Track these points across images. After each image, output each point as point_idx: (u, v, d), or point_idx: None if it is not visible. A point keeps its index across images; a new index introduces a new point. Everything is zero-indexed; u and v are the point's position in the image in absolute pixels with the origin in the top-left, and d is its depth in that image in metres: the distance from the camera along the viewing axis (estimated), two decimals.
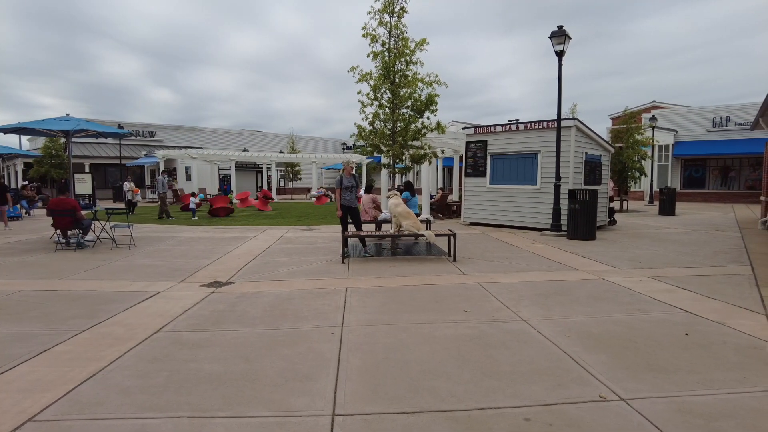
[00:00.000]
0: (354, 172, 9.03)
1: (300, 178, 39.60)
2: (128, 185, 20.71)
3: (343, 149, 47.15)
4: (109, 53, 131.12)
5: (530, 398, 3.05)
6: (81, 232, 9.73)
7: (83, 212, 10.19)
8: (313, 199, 29.32)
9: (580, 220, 10.86)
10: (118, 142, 30.18)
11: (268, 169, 34.89)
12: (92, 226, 10.23)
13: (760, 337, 4.20)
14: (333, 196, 26.44)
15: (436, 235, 8.56)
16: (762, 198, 15.53)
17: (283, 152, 37.99)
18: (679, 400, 3.01)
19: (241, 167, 38.11)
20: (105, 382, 3.31)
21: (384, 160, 10.76)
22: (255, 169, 41.32)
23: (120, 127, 29.56)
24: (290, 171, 38.99)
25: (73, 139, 11.75)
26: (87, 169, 30.35)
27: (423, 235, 8.35)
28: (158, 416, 2.83)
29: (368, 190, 11.33)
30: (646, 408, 2.91)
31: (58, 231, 9.76)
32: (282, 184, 42.12)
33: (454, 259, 8.21)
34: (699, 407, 2.91)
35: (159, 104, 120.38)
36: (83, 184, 20.96)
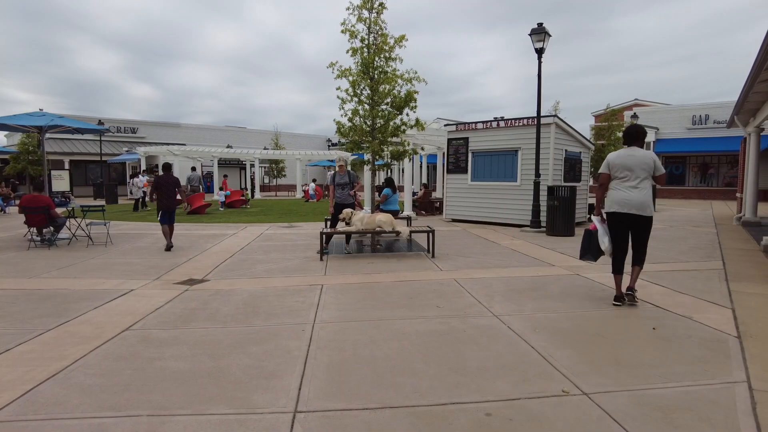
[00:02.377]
0: (350, 169, 8.99)
1: (284, 175, 39.38)
2: (142, 180, 19.97)
3: (329, 146, 46.98)
4: (86, 47, 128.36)
5: (493, 393, 3.06)
6: (53, 229, 9.56)
7: (59, 209, 10.02)
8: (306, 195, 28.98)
9: (559, 216, 10.96)
10: (98, 138, 29.70)
11: (252, 165, 34.66)
12: (68, 224, 10.06)
13: (723, 330, 4.28)
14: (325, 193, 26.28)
15: (415, 231, 8.60)
16: (738, 195, 15.83)
17: (267, 149, 37.71)
18: (640, 393, 3.05)
19: (225, 164, 37.84)
20: (66, 382, 3.25)
21: (365, 156, 10.74)
22: (239, 165, 41.06)
23: (100, 123, 29.12)
24: (274, 168, 38.75)
25: (52, 135, 11.57)
26: (66, 166, 29.84)
27: (392, 232, 8.38)
28: (117, 415, 2.79)
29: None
30: (606, 402, 2.94)
31: (32, 229, 9.58)
32: (266, 181, 41.87)
33: (433, 256, 8.23)
34: (658, 400, 2.95)
35: (140, 100, 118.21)
36: (61, 181, 20.61)
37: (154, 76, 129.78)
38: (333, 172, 8.92)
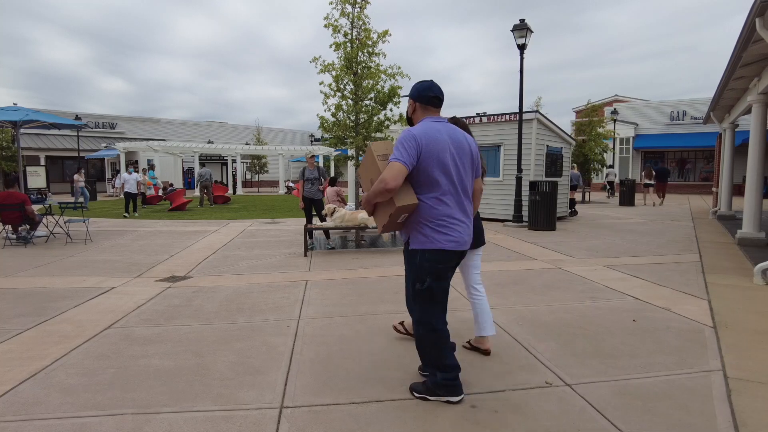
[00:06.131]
0: (318, 164, 8.99)
1: (267, 171, 39.06)
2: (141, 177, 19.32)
3: (311, 141, 46.71)
4: (51, 38, 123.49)
5: (478, 386, 3.10)
6: (29, 227, 9.35)
7: (35, 206, 9.80)
8: (294, 191, 28.61)
9: (540, 211, 11.09)
10: (75, 133, 29.06)
11: (234, 161, 34.29)
12: (44, 221, 9.86)
13: (700, 321, 4.39)
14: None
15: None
16: (713, 189, 16.20)
17: (249, 144, 37.39)
18: (621, 383, 3.12)
19: (206, 159, 37.40)
20: (46, 381, 3.20)
21: (349, 152, 10.72)
22: (220, 161, 40.62)
23: (78, 118, 28.47)
24: (256, 163, 38.41)
25: (27, 131, 11.27)
26: (42, 162, 29.14)
27: (375, 227, 8.38)
28: (100, 414, 2.76)
29: (333, 183, 11.28)
30: (589, 393, 3.00)
31: (7, 226, 9.36)
32: (248, 176, 41.47)
33: None
34: (638, 390, 3.02)
35: (114, 94, 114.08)
36: (36, 178, 20.14)
37: (126, 70, 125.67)
38: (303, 167, 8.91)
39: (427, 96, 2.89)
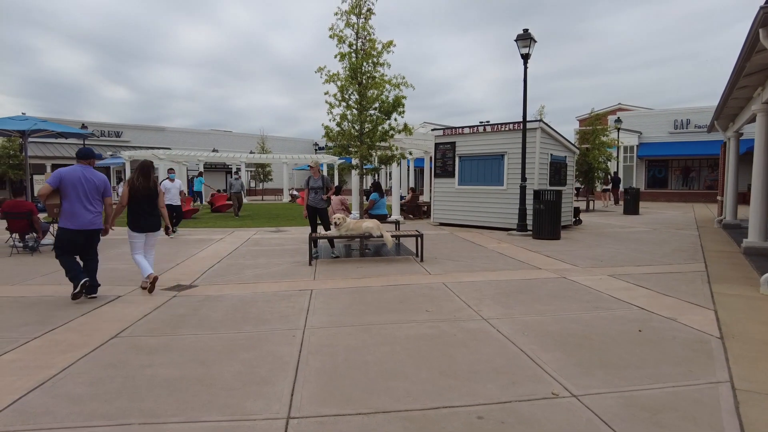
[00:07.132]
0: (324, 173, 9.02)
1: (271, 179, 39.18)
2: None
3: (315, 149, 46.87)
4: (54, 47, 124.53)
5: (485, 396, 3.10)
6: (36, 235, 9.41)
7: (41, 215, 9.86)
8: (298, 199, 28.60)
9: (545, 219, 11.08)
10: (81, 142, 29.28)
11: (238, 169, 34.44)
12: (51, 229, 9.91)
13: (706, 331, 4.38)
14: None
15: (402, 236, 8.63)
16: (718, 198, 16.16)
17: (253, 153, 37.54)
18: (627, 394, 3.11)
19: (211, 168, 37.58)
20: (54, 391, 3.21)
21: (353, 161, 10.78)
22: (224, 169, 40.80)
23: (84, 127, 28.71)
24: (261, 172, 38.56)
25: (33, 139, 11.36)
26: (48, 170, 29.34)
27: (381, 236, 8.38)
28: (108, 424, 2.77)
29: (337, 192, 11.31)
30: (595, 403, 2.99)
31: (14, 235, 9.42)
32: (252, 185, 41.61)
33: (422, 260, 8.27)
34: (645, 401, 3.02)
35: (117, 102, 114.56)
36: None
37: (129, 78, 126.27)
38: (308, 176, 8.94)
39: (80, 154, 5.73)
